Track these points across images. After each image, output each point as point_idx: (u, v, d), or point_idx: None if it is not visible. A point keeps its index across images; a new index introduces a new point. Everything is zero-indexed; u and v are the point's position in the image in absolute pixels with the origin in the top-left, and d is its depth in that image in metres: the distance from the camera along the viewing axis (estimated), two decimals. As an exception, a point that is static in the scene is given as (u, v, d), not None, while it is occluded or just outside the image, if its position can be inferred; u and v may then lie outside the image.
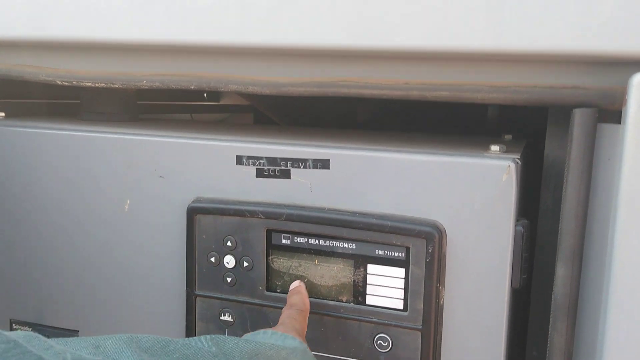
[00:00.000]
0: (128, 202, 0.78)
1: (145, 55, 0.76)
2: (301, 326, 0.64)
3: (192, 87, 0.75)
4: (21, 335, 0.45)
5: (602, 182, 0.61)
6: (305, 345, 0.60)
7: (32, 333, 0.46)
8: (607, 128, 0.61)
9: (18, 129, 0.83)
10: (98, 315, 0.82)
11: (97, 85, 0.79)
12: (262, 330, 0.60)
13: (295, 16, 0.66)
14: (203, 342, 0.55)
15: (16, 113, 0.94)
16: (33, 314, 0.85)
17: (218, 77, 0.74)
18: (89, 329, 0.82)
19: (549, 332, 0.62)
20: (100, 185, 0.79)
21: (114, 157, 0.78)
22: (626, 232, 0.57)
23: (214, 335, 0.57)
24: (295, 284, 0.70)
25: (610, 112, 0.61)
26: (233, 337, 0.57)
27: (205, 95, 1.50)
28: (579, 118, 0.59)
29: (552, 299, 0.62)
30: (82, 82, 0.80)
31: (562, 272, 0.60)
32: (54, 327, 0.84)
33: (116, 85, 0.78)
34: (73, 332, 0.83)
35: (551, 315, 0.62)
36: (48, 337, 0.81)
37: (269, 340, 0.58)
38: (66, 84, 0.81)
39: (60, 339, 0.49)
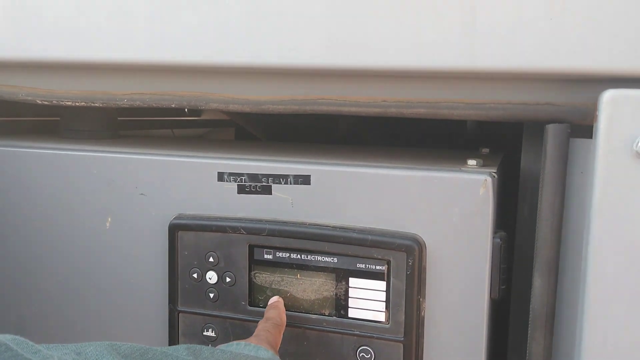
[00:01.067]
0: (109, 219, 0.79)
1: (126, 75, 0.77)
2: (275, 339, 0.65)
3: (173, 106, 0.76)
4: (9, 338, 0.46)
5: (576, 194, 0.63)
6: (277, 357, 0.62)
7: (18, 337, 0.47)
8: (579, 142, 0.63)
9: (-2, 147, 0.83)
10: (81, 331, 0.81)
11: (77, 104, 0.79)
12: (236, 342, 0.62)
13: (274, 36, 0.67)
14: (180, 350, 0.56)
15: (-3, 132, 0.94)
16: (14, 330, 0.84)
17: (198, 95, 0.75)
18: (71, 348, 0.82)
19: (528, 342, 0.64)
20: (81, 203, 0.79)
21: (95, 175, 0.78)
22: (600, 243, 0.58)
23: (190, 345, 0.58)
24: (274, 299, 0.72)
25: (582, 127, 0.63)
26: (209, 347, 0.59)
27: (186, 111, 1.50)
28: (552, 133, 0.61)
29: (530, 309, 0.63)
30: (62, 102, 0.80)
31: (539, 282, 0.62)
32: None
33: (96, 105, 0.79)
34: (55, 352, 0.82)
35: (529, 325, 0.63)
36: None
37: (243, 350, 0.60)
38: (46, 103, 0.81)
39: (44, 344, 0.50)
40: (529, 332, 0.63)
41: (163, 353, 0.54)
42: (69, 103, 0.79)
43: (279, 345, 0.66)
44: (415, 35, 0.62)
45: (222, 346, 0.62)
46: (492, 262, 0.66)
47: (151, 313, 0.78)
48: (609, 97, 0.57)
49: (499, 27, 0.60)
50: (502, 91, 0.65)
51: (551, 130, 0.61)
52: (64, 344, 0.52)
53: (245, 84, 0.73)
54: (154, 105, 0.76)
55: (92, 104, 0.79)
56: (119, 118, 1.03)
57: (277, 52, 0.67)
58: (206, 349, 0.58)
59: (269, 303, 0.71)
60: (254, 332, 0.72)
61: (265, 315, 0.69)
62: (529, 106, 0.64)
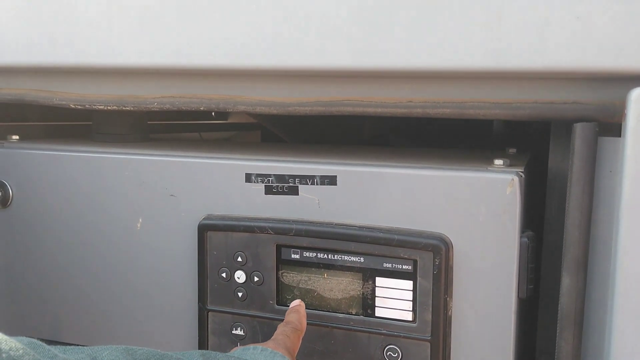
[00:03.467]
0: (140, 220, 0.80)
1: (156, 79, 0.78)
2: (293, 344, 0.64)
3: (202, 109, 0.77)
4: (26, 341, 0.47)
5: (605, 193, 0.63)
6: None
7: (35, 340, 0.48)
8: (607, 141, 0.62)
9: (32, 151, 0.85)
10: (111, 332, 0.83)
11: (108, 108, 0.81)
12: (252, 346, 0.61)
13: (300, 39, 0.68)
14: (195, 356, 0.56)
15: (29, 136, 0.97)
16: (49, 332, 0.86)
17: (226, 98, 0.77)
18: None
19: (557, 341, 0.63)
20: (113, 204, 0.81)
21: (126, 177, 0.80)
22: (629, 242, 0.58)
23: (205, 351, 0.58)
24: (295, 302, 0.71)
25: (610, 126, 0.62)
26: (224, 354, 0.58)
27: (213, 114, 1.52)
28: (580, 132, 0.61)
29: (559, 308, 0.63)
30: (94, 106, 0.82)
31: (567, 281, 0.62)
32: (69, 344, 0.85)
33: (127, 108, 0.81)
34: (88, 350, 0.84)
35: (558, 325, 0.63)
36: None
37: (259, 357, 0.59)
38: (79, 107, 0.83)
39: (59, 346, 0.50)
40: (558, 331, 0.63)
41: (178, 359, 0.55)
42: (101, 107, 0.81)
43: (296, 351, 0.65)
44: (440, 36, 0.63)
45: (237, 351, 0.61)
46: (519, 262, 0.66)
47: (181, 312, 0.79)
48: (637, 95, 0.57)
49: (524, 26, 0.60)
50: (529, 90, 0.65)
51: (579, 129, 0.61)
52: (81, 347, 0.53)
53: (272, 87, 0.74)
54: (183, 108, 0.78)
55: (123, 108, 0.80)
56: (149, 122, 1.05)
57: (303, 55, 0.68)
58: (221, 356, 0.57)
59: (290, 306, 0.71)
60: (280, 331, 0.73)
61: (286, 318, 0.69)
62: (556, 105, 0.64)
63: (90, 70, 0.80)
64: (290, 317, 0.68)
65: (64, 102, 0.83)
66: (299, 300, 0.72)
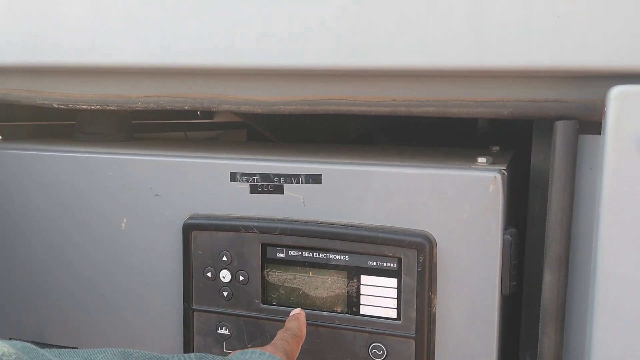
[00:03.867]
0: (125, 220, 0.80)
1: (140, 78, 0.78)
2: (292, 350, 0.64)
3: (186, 108, 0.77)
4: (19, 346, 0.46)
5: (585, 190, 0.63)
6: None
7: (28, 344, 0.48)
8: (588, 139, 0.63)
9: (15, 151, 0.84)
10: (97, 332, 0.83)
11: (92, 107, 0.81)
12: (250, 350, 0.61)
13: (285, 38, 0.68)
14: (191, 359, 0.56)
15: (12, 136, 0.96)
16: (31, 333, 0.86)
17: (211, 97, 0.77)
18: (88, 346, 0.83)
19: (539, 337, 0.64)
20: (97, 205, 0.81)
21: (110, 177, 0.80)
22: (609, 238, 0.59)
23: (201, 354, 0.58)
24: (296, 311, 0.71)
25: (591, 124, 0.63)
26: (221, 357, 0.58)
27: (199, 113, 1.52)
28: (561, 130, 0.62)
29: (541, 305, 0.64)
30: (78, 105, 0.81)
31: (549, 278, 0.62)
32: (54, 345, 0.85)
33: (111, 107, 0.80)
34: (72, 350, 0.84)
35: (540, 320, 0.64)
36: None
37: None
38: (62, 107, 0.82)
39: (54, 350, 0.50)
40: (540, 327, 0.64)
41: None
42: (85, 106, 0.81)
43: (295, 357, 0.65)
44: (423, 35, 0.63)
45: (236, 354, 0.61)
46: (502, 259, 0.67)
47: (166, 312, 0.79)
48: (616, 93, 0.57)
49: (506, 25, 0.61)
50: (511, 89, 0.66)
51: (560, 126, 0.62)
52: (75, 349, 0.52)
53: (257, 86, 0.74)
54: (168, 107, 0.78)
55: (107, 107, 0.80)
56: (133, 121, 1.05)
57: (287, 54, 0.69)
58: (219, 359, 0.57)
59: (291, 314, 0.71)
60: (267, 329, 0.74)
61: (286, 325, 0.69)
62: (538, 103, 0.64)
63: (74, 70, 0.79)
64: (290, 324, 0.68)
65: (47, 102, 0.82)
66: (299, 308, 0.72)
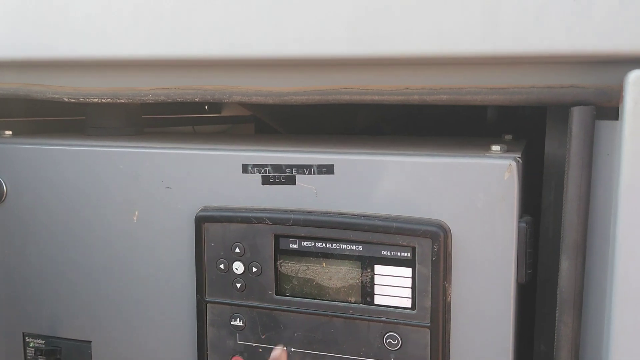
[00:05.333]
0: (137, 213, 0.80)
1: (150, 70, 0.78)
2: None
3: (197, 100, 0.77)
4: None
5: (602, 177, 0.63)
6: None
7: None
8: (605, 125, 0.62)
9: (25, 146, 0.84)
10: (110, 325, 0.83)
11: (103, 101, 0.81)
12: None
13: (296, 27, 0.68)
14: None
15: (22, 131, 0.96)
16: (46, 327, 0.86)
17: (222, 89, 0.76)
18: (101, 339, 0.84)
19: (556, 325, 0.64)
20: (109, 198, 0.81)
21: (121, 170, 0.80)
22: (627, 225, 0.58)
23: None
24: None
25: (608, 109, 0.62)
26: None
27: (206, 107, 1.52)
28: (578, 116, 0.61)
29: (558, 292, 0.63)
30: (88, 99, 0.81)
31: (566, 265, 0.62)
32: (67, 339, 0.85)
33: (122, 100, 0.80)
34: (86, 343, 0.84)
35: (557, 308, 0.63)
36: (61, 348, 0.82)
37: None
38: (73, 100, 0.82)
39: None
40: (557, 315, 0.63)
41: None
42: (95, 100, 0.81)
43: None
44: (437, 21, 0.63)
45: None
46: (518, 247, 0.66)
47: (179, 304, 0.79)
48: (635, 78, 0.57)
49: (522, 10, 0.60)
50: (526, 75, 0.65)
51: (576, 112, 0.61)
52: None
53: (268, 76, 0.74)
54: (178, 99, 0.77)
55: (118, 100, 0.80)
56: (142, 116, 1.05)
57: (299, 44, 0.68)
58: None
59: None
60: (281, 320, 0.73)
61: None
62: (554, 89, 0.64)
63: (84, 63, 0.79)
64: None
65: (57, 96, 0.82)
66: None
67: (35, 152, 0.84)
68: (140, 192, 0.79)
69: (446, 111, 1.31)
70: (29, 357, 0.87)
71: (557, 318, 0.63)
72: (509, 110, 1.24)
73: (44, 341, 0.86)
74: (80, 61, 0.78)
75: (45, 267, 0.85)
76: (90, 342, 0.84)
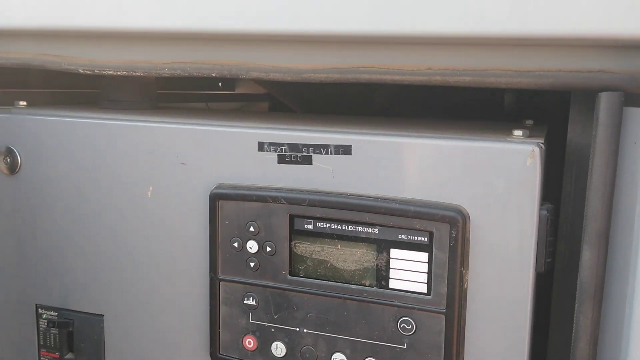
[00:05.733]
0: (151, 188, 0.79)
1: (167, 43, 0.76)
2: None
3: (214, 75, 0.76)
4: None
5: (628, 165, 0.61)
6: None
7: None
8: (633, 112, 0.60)
9: (40, 117, 0.84)
10: (123, 299, 0.83)
11: (118, 73, 0.80)
12: None
13: (316, 3, 0.66)
14: None
15: (37, 102, 0.95)
16: (58, 299, 0.86)
17: (239, 64, 0.75)
18: (114, 314, 0.84)
19: (575, 315, 0.63)
20: (122, 172, 0.80)
21: (135, 145, 0.79)
22: (653, 215, 0.57)
23: None
24: None
25: (637, 96, 0.60)
26: None
27: (220, 84, 1.50)
28: (605, 102, 0.59)
29: (578, 282, 0.62)
30: (104, 71, 0.80)
31: (588, 255, 0.61)
32: (80, 312, 0.85)
33: (138, 74, 0.79)
34: (98, 317, 0.84)
35: (577, 298, 0.62)
36: (73, 321, 0.82)
37: None
38: (88, 72, 0.81)
39: None
40: (577, 305, 0.62)
41: None
42: (111, 72, 0.80)
43: None
44: (462, 0, 0.61)
45: None
46: (538, 235, 0.65)
47: (192, 281, 0.79)
48: (667, 64, 0.55)
49: (553, -10, 0.58)
50: (552, 58, 0.63)
51: (604, 98, 0.59)
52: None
53: (287, 52, 0.72)
54: (195, 74, 0.76)
55: (134, 73, 0.79)
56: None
57: (319, 19, 0.66)
58: None
59: None
60: (294, 301, 0.73)
61: None
62: (581, 74, 0.62)
63: (100, 35, 0.78)
64: None
65: (72, 67, 0.81)
66: None
67: (50, 123, 0.83)
68: (154, 167, 0.79)
69: (464, 93, 1.28)
70: (41, 329, 0.87)
71: (576, 308, 0.62)
72: (527, 94, 1.21)
73: (56, 313, 0.86)
74: (96, 32, 0.76)
75: (59, 240, 0.85)
76: (103, 315, 0.84)
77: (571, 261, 0.70)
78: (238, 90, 1.61)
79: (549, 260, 0.66)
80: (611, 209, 0.61)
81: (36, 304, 0.87)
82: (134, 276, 0.82)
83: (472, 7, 0.61)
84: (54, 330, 0.86)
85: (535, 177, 0.64)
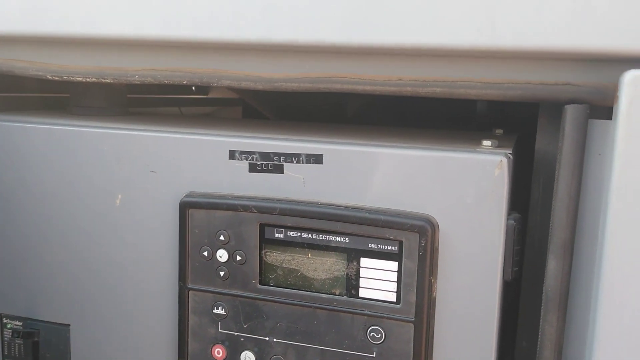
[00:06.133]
0: (119, 196, 0.78)
1: (138, 51, 0.76)
2: None
3: (185, 82, 0.75)
4: None
5: (593, 176, 0.62)
6: None
7: None
8: (598, 124, 0.62)
9: (7, 123, 0.82)
10: (90, 309, 0.81)
11: (88, 79, 0.79)
12: None
13: (289, 13, 0.66)
14: None
15: (5, 107, 0.93)
16: (23, 309, 0.84)
17: (210, 72, 0.74)
18: (80, 323, 0.82)
19: (540, 324, 0.63)
20: (91, 180, 0.79)
21: (104, 152, 0.78)
22: (617, 226, 0.58)
23: None
24: None
25: (602, 108, 0.62)
26: None
27: (193, 88, 1.49)
28: (571, 114, 0.60)
29: (543, 291, 0.63)
30: (73, 77, 0.79)
31: (553, 264, 0.62)
32: (45, 322, 0.84)
33: (107, 80, 0.78)
34: (65, 327, 0.83)
35: (542, 307, 0.63)
36: (39, 331, 0.81)
37: None
38: (56, 78, 0.80)
39: None
40: (542, 314, 0.63)
41: None
42: (80, 78, 0.79)
43: None
44: (433, 13, 0.61)
45: None
46: (505, 244, 0.66)
47: (161, 291, 0.78)
48: (630, 79, 0.56)
49: (520, 4, 0.59)
50: (520, 71, 0.64)
51: (570, 110, 0.60)
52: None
53: (258, 61, 0.72)
54: (166, 81, 0.75)
55: (103, 80, 0.78)
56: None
57: (291, 29, 0.67)
58: None
59: None
60: (264, 310, 0.73)
61: None
62: (548, 86, 0.63)
63: (70, 41, 0.77)
64: None
65: (41, 73, 0.80)
66: None
67: (15, 129, 0.81)
68: (123, 175, 0.78)
69: (437, 102, 1.30)
70: (6, 339, 0.86)
71: (541, 317, 0.63)
72: (498, 104, 1.23)
73: (21, 323, 0.85)
74: (66, 39, 0.75)
75: (24, 248, 0.83)
76: (69, 325, 0.83)
77: (538, 270, 0.71)
78: (211, 95, 1.60)
79: (516, 269, 0.67)
80: (576, 220, 0.62)
81: (0, 314, 0.86)
82: (101, 285, 0.80)
83: (442, 19, 0.61)
84: (18, 341, 0.84)
85: (503, 188, 0.65)
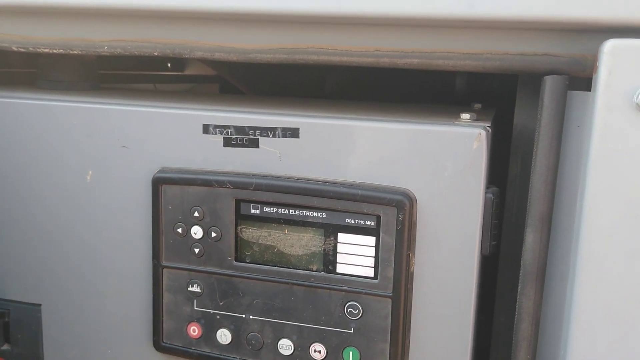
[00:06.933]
0: (90, 172, 0.76)
1: (106, 21, 0.73)
2: None
3: (156, 54, 0.73)
4: None
5: (572, 148, 0.62)
6: None
7: None
8: (577, 95, 0.61)
9: (-28, 97, 0.79)
10: (62, 288, 0.80)
11: (54, 51, 0.76)
12: None
13: (263, -20, 0.64)
14: None
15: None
16: (-7, 289, 0.82)
17: (182, 43, 0.72)
18: (52, 303, 0.80)
19: (518, 297, 0.63)
20: (60, 156, 0.76)
21: (74, 127, 0.75)
22: (595, 197, 0.57)
23: None
24: None
25: (581, 80, 0.61)
26: None
27: (169, 64, 1.46)
28: (550, 85, 0.59)
29: (521, 265, 0.63)
30: (39, 48, 0.76)
31: (531, 238, 0.61)
32: (16, 301, 0.82)
33: (75, 52, 0.75)
34: (36, 306, 0.81)
35: (520, 280, 0.63)
36: (9, 311, 0.79)
37: None
38: (22, 50, 0.77)
39: None
40: (519, 287, 0.63)
41: None
42: (46, 50, 0.76)
43: None
44: (411, -20, 0.60)
45: None
46: (483, 218, 0.65)
47: (135, 269, 0.76)
48: (609, 48, 0.55)
49: (499, -29, 0.57)
50: (499, 42, 0.63)
51: (549, 82, 0.59)
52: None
53: (232, 32, 0.70)
54: (136, 52, 0.73)
55: (71, 51, 0.75)
56: (99, 71, 0.99)
57: (265, -2, 0.64)
58: None
59: None
60: (240, 287, 0.71)
61: None
62: (527, 57, 0.62)
63: (35, 10, 0.74)
64: None
65: (5, 45, 0.77)
66: None
67: (-18, 104, 0.78)
68: (94, 150, 0.75)
69: (416, 76, 1.29)
70: (-26, 320, 0.83)
71: (519, 290, 0.63)
72: (478, 78, 1.22)
73: (-9, 303, 0.82)
74: (30, 7, 0.72)
75: (-8, 227, 0.80)
76: (40, 305, 0.81)
77: (516, 244, 0.70)
78: (188, 72, 1.57)
79: (494, 242, 0.66)
80: (554, 192, 0.61)
81: (-31, 294, 0.83)
82: (72, 264, 0.78)
83: (419, -13, 0.60)
84: (-12, 321, 0.82)
85: (482, 161, 0.64)
